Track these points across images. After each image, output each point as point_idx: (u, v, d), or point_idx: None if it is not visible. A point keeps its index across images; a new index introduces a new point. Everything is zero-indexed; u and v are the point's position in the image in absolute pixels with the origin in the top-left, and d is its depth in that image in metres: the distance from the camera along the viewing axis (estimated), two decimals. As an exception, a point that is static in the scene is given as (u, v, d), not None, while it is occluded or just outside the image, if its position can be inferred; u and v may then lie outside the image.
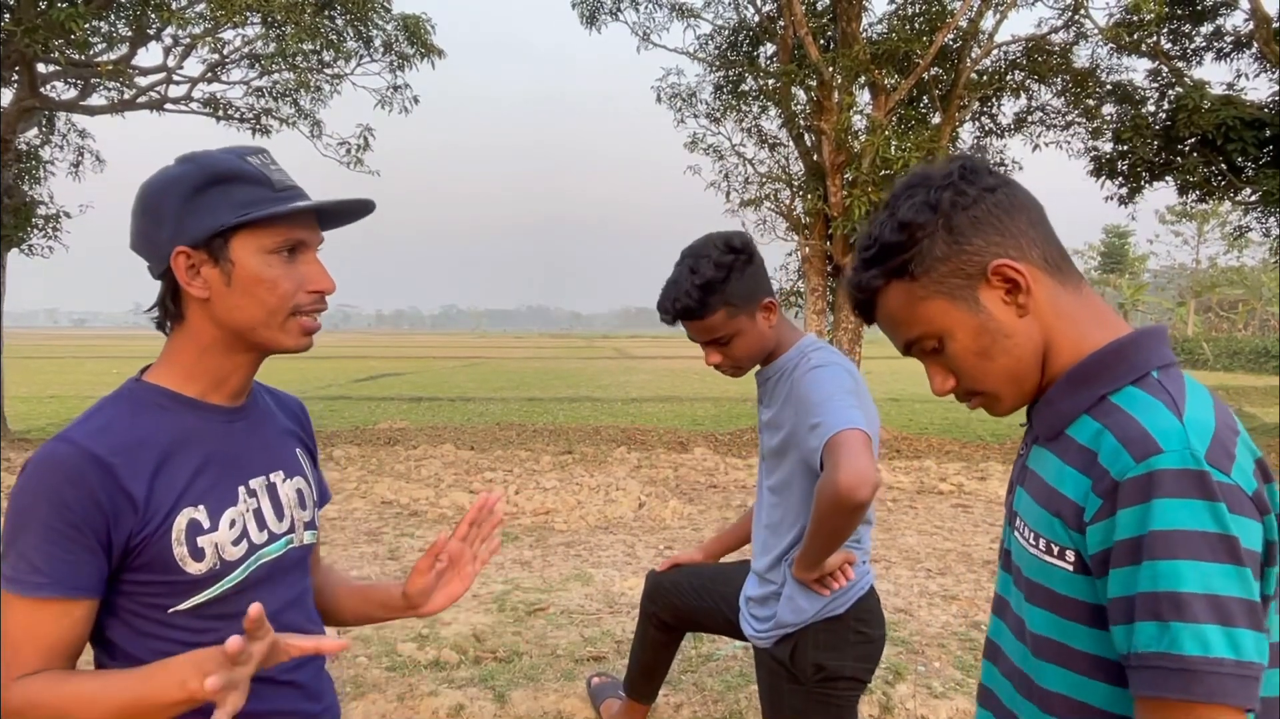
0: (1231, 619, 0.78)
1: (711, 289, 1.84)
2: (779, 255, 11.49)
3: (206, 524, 1.07)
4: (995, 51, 10.98)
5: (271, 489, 1.17)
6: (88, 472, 0.99)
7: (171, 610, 1.06)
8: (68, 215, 11.76)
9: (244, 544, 1.11)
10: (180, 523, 1.05)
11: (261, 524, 1.14)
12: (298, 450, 1.26)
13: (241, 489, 1.13)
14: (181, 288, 1.07)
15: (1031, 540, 0.97)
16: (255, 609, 0.92)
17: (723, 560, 2.52)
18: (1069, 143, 11.91)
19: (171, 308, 1.09)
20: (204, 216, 1.04)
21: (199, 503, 1.07)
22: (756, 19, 11.56)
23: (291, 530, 1.19)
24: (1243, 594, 0.79)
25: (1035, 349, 0.98)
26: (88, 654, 1.08)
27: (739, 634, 2.19)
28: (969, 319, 0.97)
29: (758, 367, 1.99)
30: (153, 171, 1.10)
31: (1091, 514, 0.87)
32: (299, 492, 1.22)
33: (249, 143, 1.15)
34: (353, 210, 1.15)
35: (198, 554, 1.06)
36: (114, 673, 1.02)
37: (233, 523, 1.10)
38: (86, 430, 1.03)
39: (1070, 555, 0.91)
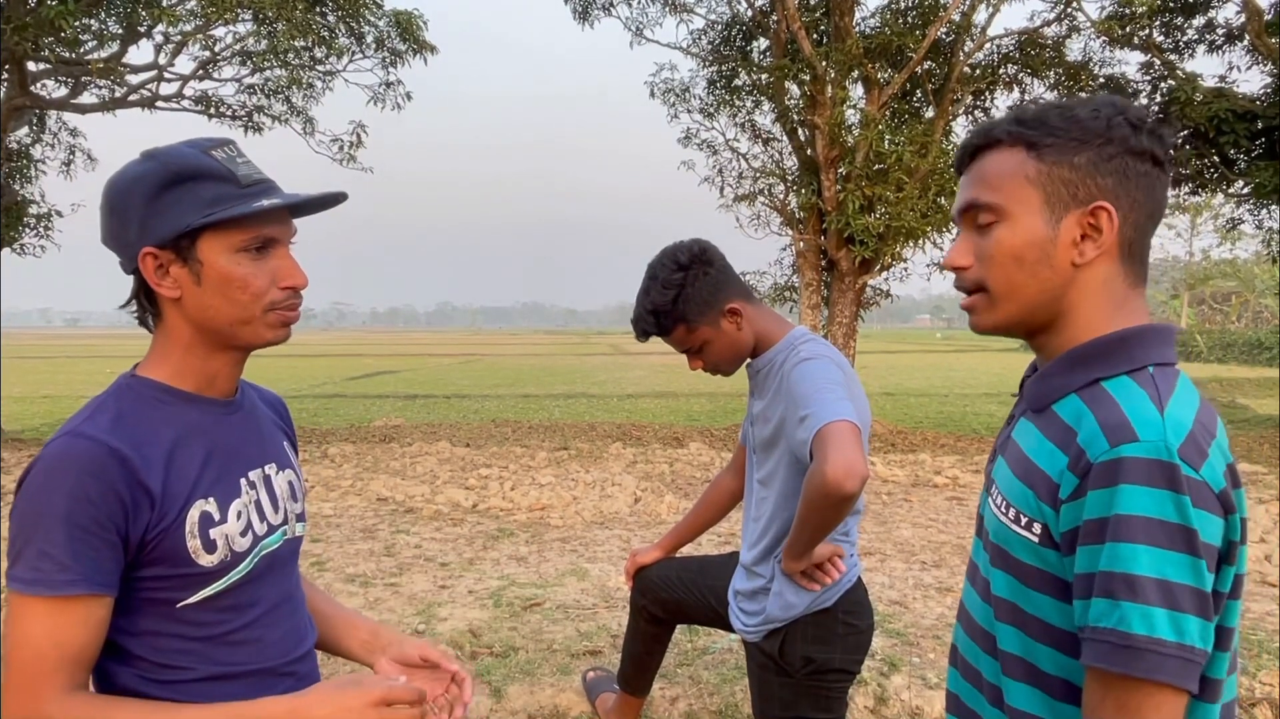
0: (1179, 604, 0.82)
1: (663, 312, 1.89)
2: (773, 250, 11.53)
3: (217, 516, 1.07)
4: (988, 45, 10.99)
5: (267, 481, 1.18)
6: (108, 465, 0.97)
7: (180, 605, 1.05)
8: (59, 214, 11.72)
9: (249, 536, 1.11)
10: (193, 515, 1.04)
11: (262, 516, 1.14)
12: (284, 444, 1.27)
13: (243, 481, 1.13)
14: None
15: (1003, 508, 1.00)
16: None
17: (710, 552, 2.53)
18: (1062, 136, 11.88)
19: (148, 305, 1.09)
20: (169, 217, 1.02)
21: (209, 495, 1.07)
22: (749, 13, 11.54)
23: (285, 522, 1.20)
24: (1194, 583, 0.83)
25: (1058, 297, 0.97)
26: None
27: (728, 626, 2.20)
28: (1040, 227, 0.96)
29: (749, 359, 2.00)
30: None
31: (1068, 493, 0.90)
32: (290, 484, 1.23)
33: (228, 136, 1.12)
34: (323, 201, 1.13)
35: (210, 546, 1.06)
36: (174, 710, 0.98)
37: (239, 514, 1.10)
38: (99, 425, 1.00)
39: (1037, 528, 0.94)
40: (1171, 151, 0.98)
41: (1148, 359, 0.94)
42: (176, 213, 1.02)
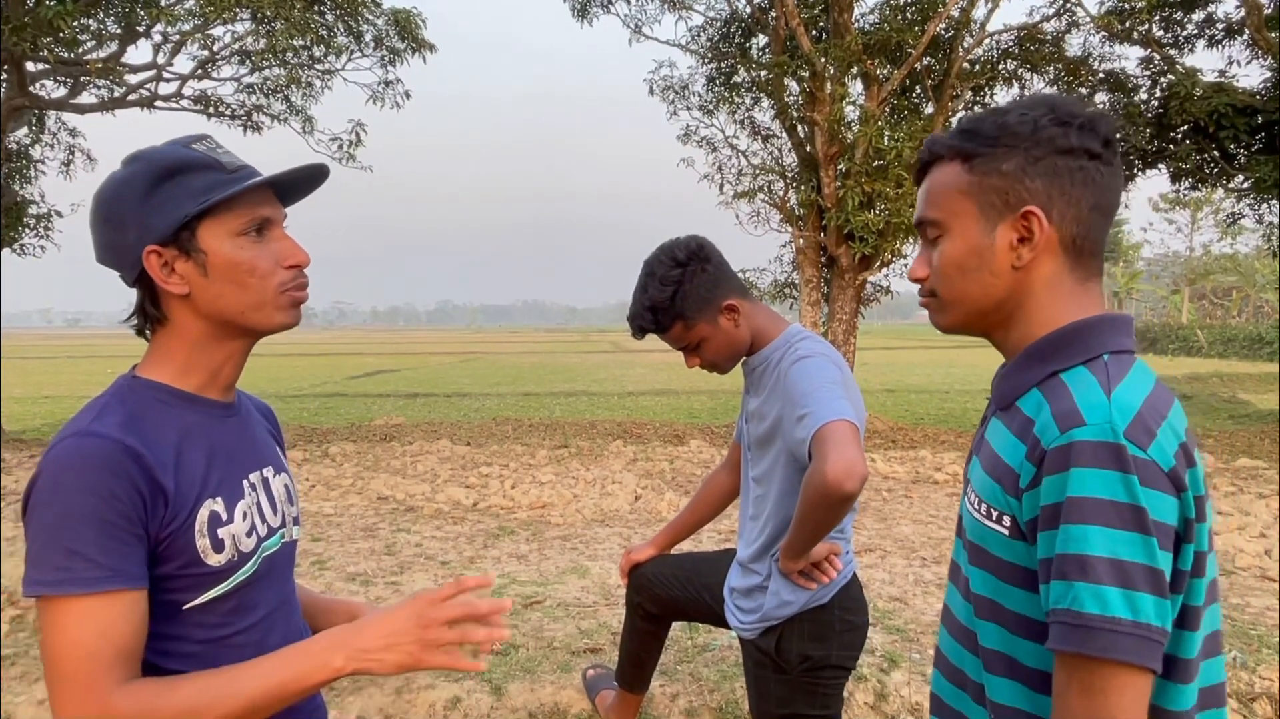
0: (1132, 583, 0.83)
1: (660, 308, 1.88)
2: (773, 247, 11.57)
3: (225, 516, 1.07)
4: (987, 41, 10.98)
5: (265, 483, 1.18)
6: (126, 462, 0.97)
7: (188, 606, 1.05)
8: (59, 215, 11.73)
9: (254, 536, 1.12)
10: (203, 514, 1.04)
11: (263, 518, 1.15)
12: (276, 448, 1.27)
13: (245, 482, 1.13)
14: (159, 289, 1.05)
15: (976, 505, 1.03)
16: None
17: (711, 549, 2.52)
18: (1061, 131, 11.90)
19: (153, 311, 1.08)
20: (165, 211, 1.02)
21: (216, 494, 1.07)
22: (748, 10, 11.53)
23: (283, 525, 1.20)
24: (1146, 561, 0.84)
25: (1004, 300, 1.02)
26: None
27: (724, 624, 2.19)
28: (976, 236, 1.00)
29: (744, 357, 2.00)
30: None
31: (1026, 482, 0.93)
32: (286, 487, 1.23)
33: (236, 139, 1.13)
34: (308, 180, 1.13)
35: (219, 545, 1.06)
36: (228, 669, 0.99)
37: (244, 515, 1.10)
38: (110, 423, 1.00)
39: (1006, 520, 0.96)
40: (1110, 141, 0.99)
41: (1103, 348, 0.97)
42: (172, 206, 1.02)
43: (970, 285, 1.01)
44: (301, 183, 1.13)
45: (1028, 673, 0.96)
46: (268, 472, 1.19)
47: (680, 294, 1.86)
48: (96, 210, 1.05)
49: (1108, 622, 0.83)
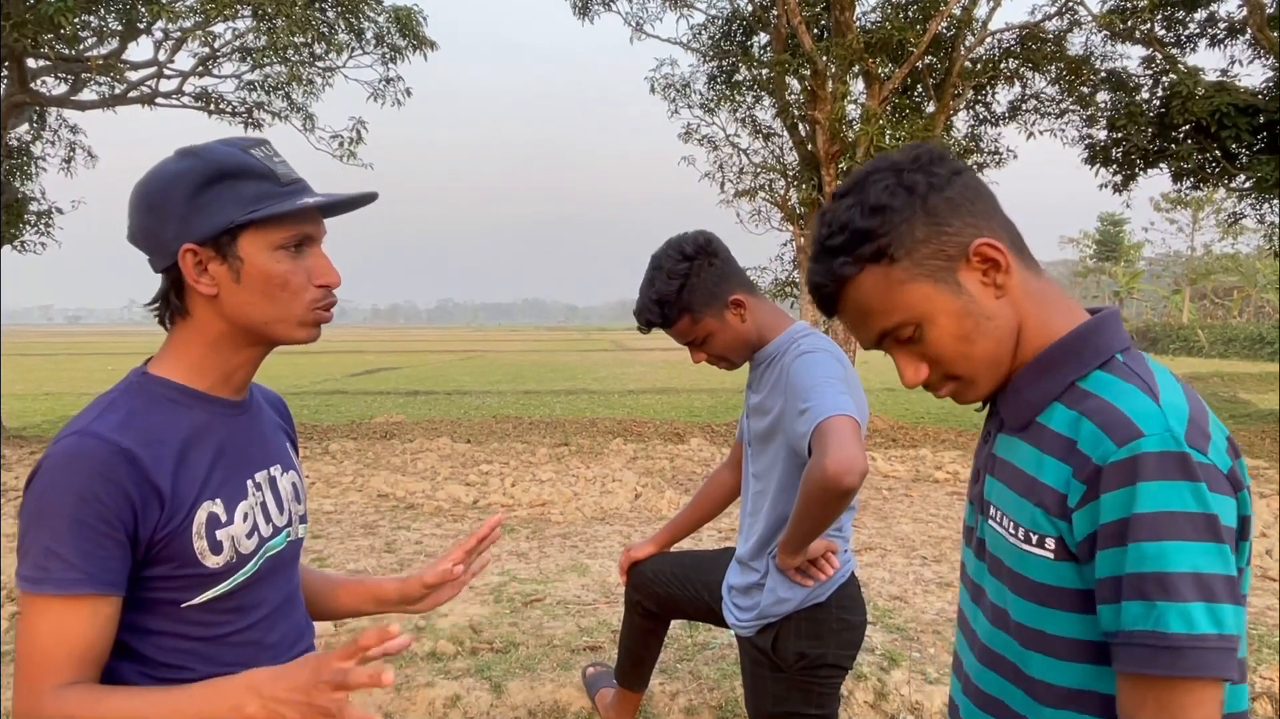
0: (1214, 595, 0.81)
1: (668, 302, 1.88)
2: (774, 246, 11.59)
3: (224, 517, 1.07)
4: (989, 39, 10.97)
5: (273, 482, 1.17)
6: (118, 465, 0.97)
7: (185, 605, 1.05)
8: (60, 211, 11.74)
9: (255, 537, 1.11)
10: (201, 516, 1.04)
11: (267, 518, 1.14)
12: (286, 444, 1.27)
13: (249, 483, 1.13)
14: (188, 284, 1.05)
15: (1010, 530, 0.97)
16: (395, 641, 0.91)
17: (705, 547, 2.52)
18: (1063, 130, 11.94)
19: (176, 302, 1.07)
20: (212, 214, 1.02)
21: (216, 496, 1.07)
22: (750, 8, 11.52)
23: (289, 524, 1.20)
24: (1223, 570, 0.82)
25: (1012, 330, 0.97)
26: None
27: (722, 622, 2.19)
28: (952, 302, 0.95)
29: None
30: (147, 166, 1.07)
31: (1076, 500, 0.88)
32: (293, 485, 1.23)
33: (248, 135, 1.11)
34: (356, 202, 1.14)
35: (216, 547, 1.05)
36: (156, 690, 0.99)
37: (245, 516, 1.10)
38: (109, 424, 1.00)
39: (1050, 543, 0.92)
40: (947, 156, 0.97)
41: (1111, 348, 0.94)
42: (219, 209, 1.02)
43: (982, 343, 0.96)
44: (346, 203, 1.13)
45: (1084, 697, 0.93)
46: (275, 470, 1.18)
47: (687, 288, 1.86)
48: (143, 196, 1.05)
49: (1195, 640, 0.80)
